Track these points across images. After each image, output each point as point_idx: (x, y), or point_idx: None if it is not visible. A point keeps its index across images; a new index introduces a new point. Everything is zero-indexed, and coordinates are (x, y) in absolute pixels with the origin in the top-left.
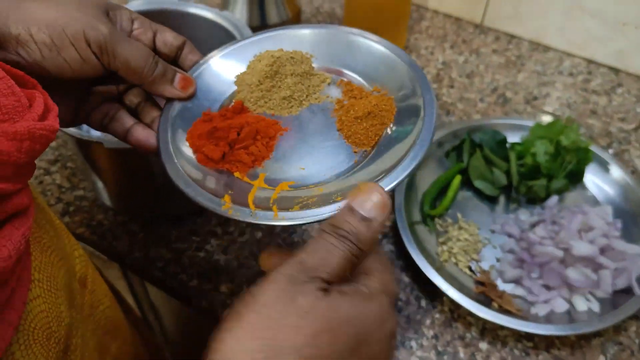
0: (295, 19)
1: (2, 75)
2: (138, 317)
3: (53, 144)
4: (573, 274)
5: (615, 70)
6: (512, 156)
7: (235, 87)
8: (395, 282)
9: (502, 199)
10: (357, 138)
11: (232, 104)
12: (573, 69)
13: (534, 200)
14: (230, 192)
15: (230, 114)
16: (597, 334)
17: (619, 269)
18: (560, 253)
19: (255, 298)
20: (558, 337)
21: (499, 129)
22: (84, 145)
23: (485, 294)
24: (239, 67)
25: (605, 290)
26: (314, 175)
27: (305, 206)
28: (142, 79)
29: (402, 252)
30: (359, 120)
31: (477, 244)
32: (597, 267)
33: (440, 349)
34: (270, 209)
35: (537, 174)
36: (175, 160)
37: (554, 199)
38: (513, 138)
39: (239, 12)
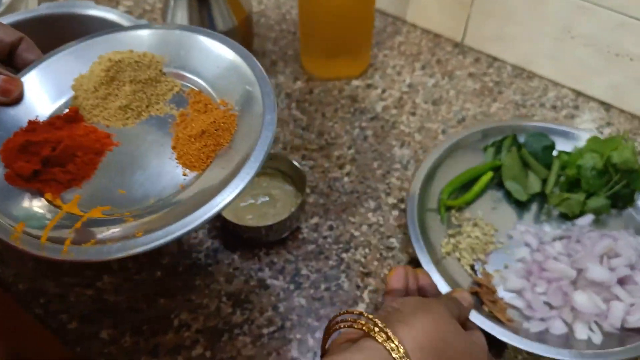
0: (244, 25)
1: None
2: None
3: None
4: (580, 297)
5: (607, 106)
6: (556, 164)
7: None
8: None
9: (533, 208)
10: (189, 159)
11: (66, 111)
12: (558, 101)
13: (567, 217)
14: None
15: (61, 122)
16: None
17: (636, 306)
18: (573, 273)
19: (429, 306)
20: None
21: (551, 134)
22: None
23: (479, 295)
24: (82, 69)
25: (613, 324)
26: (133, 200)
27: (101, 242)
28: None
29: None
30: (193, 140)
31: (487, 245)
32: (610, 298)
33: None
34: (63, 242)
35: (576, 189)
36: None
37: (587, 217)
38: (564, 147)
39: (180, 19)
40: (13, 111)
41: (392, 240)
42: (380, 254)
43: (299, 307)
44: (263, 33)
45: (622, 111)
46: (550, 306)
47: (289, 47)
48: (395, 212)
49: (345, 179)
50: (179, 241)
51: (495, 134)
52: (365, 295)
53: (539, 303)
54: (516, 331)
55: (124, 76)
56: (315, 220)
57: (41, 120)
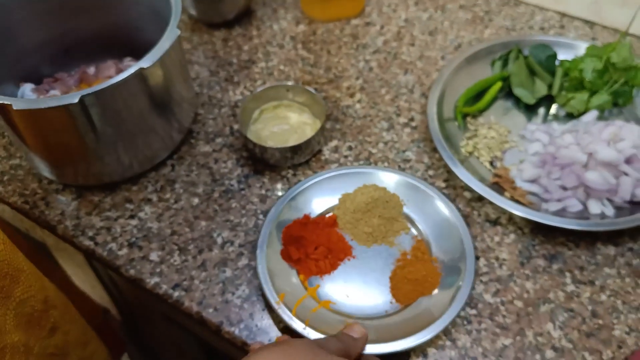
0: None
1: None
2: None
3: None
4: (592, 175)
5: (590, 24)
6: (559, 70)
7: (337, 202)
8: None
9: (540, 111)
10: (399, 294)
11: (330, 215)
12: (545, 22)
13: (572, 115)
14: (287, 289)
15: (324, 224)
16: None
17: None
18: (584, 157)
19: (287, 343)
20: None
21: (552, 46)
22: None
23: (499, 184)
24: (349, 188)
25: (623, 197)
26: (352, 306)
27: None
28: None
29: (431, 147)
30: (406, 281)
31: (503, 144)
32: (619, 175)
33: None
34: (304, 319)
35: (580, 89)
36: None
37: (592, 113)
38: (565, 56)
39: None
40: (301, 202)
41: (408, 153)
42: (399, 166)
43: None
44: None
45: (604, 27)
46: (565, 188)
47: None
48: (407, 130)
49: (357, 105)
50: (211, 171)
51: (499, 49)
52: None
53: (555, 186)
54: (537, 210)
55: (376, 210)
56: (334, 143)
57: (312, 216)
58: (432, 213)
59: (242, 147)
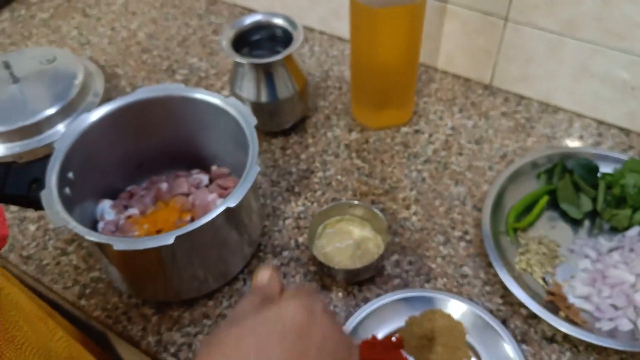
0: (303, 90)
1: None
2: None
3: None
4: None
5: (626, 131)
6: (602, 185)
7: (403, 324)
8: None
9: (586, 224)
10: None
11: (397, 336)
12: (583, 130)
13: (617, 229)
14: None
15: (391, 345)
16: None
17: None
18: (632, 278)
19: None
20: (617, 352)
21: (593, 159)
22: (106, 249)
23: (554, 303)
24: (412, 311)
25: None
26: None
27: None
28: None
29: (486, 261)
30: None
31: (554, 259)
32: None
33: None
34: None
35: (623, 204)
36: None
37: (635, 229)
38: (605, 169)
39: (246, 90)
40: (369, 323)
41: (465, 268)
42: (457, 282)
43: None
44: (311, 91)
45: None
46: (616, 307)
47: (338, 102)
48: (463, 244)
49: (414, 218)
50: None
51: (544, 162)
52: None
53: (606, 305)
54: (590, 331)
55: (441, 338)
56: (395, 257)
57: (379, 336)
58: (493, 346)
59: (309, 260)
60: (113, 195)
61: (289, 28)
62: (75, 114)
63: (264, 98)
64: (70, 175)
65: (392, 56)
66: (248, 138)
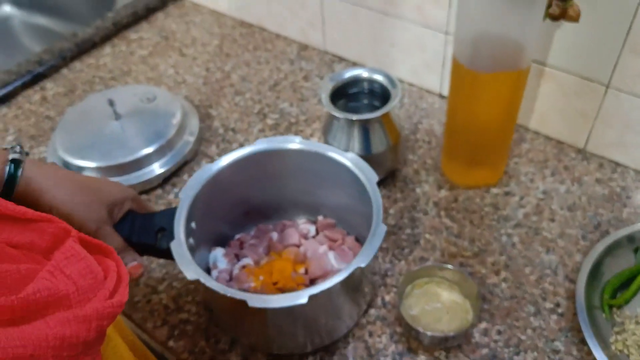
0: (396, 145)
1: (84, 256)
2: None
3: (161, 261)
4: None
5: None
6: None
7: None
8: None
9: None
10: None
11: None
12: None
13: None
14: None
15: None
16: None
17: None
18: None
19: None
20: None
21: None
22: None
23: None
24: None
25: None
26: None
27: None
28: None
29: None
30: None
31: None
32: None
33: None
34: None
35: None
36: None
37: None
38: None
39: (340, 141)
40: None
41: (557, 343)
42: (548, 357)
43: None
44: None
45: None
46: None
47: (427, 156)
48: (554, 316)
49: (503, 284)
50: (366, 344)
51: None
52: None
53: None
54: None
55: None
56: (483, 325)
57: None
58: None
59: (395, 320)
60: (222, 242)
61: (388, 85)
62: (172, 152)
63: (357, 151)
64: (193, 225)
65: (491, 117)
66: (370, 194)
